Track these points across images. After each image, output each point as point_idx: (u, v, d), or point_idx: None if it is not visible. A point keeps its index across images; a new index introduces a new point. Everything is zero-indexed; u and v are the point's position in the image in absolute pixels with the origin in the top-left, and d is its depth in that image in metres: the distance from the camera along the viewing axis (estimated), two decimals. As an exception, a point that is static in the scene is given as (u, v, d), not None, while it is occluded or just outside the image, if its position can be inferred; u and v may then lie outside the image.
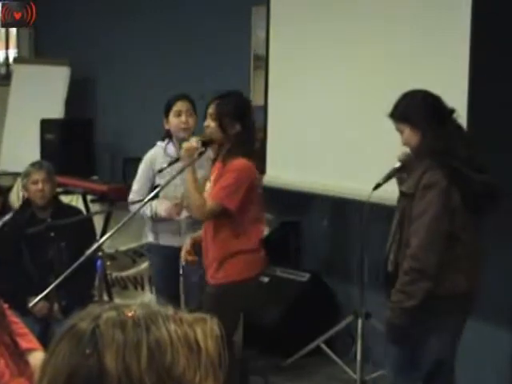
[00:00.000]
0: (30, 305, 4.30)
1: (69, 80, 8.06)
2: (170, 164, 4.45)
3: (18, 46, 9.40)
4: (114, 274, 6.32)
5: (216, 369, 1.26)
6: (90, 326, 1.22)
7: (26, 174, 5.09)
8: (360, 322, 4.94)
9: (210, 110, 4.29)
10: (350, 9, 5.31)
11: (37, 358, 3.05)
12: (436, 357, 3.73)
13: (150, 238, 5.00)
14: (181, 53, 7.20)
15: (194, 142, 4.27)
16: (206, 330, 1.27)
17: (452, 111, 3.76)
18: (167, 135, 4.87)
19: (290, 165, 5.76)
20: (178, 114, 4.77)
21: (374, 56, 5.10)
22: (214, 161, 4.38)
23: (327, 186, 5.37)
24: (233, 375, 3.85)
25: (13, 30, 9.35)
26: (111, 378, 1.18)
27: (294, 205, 6.23)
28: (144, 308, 1.26)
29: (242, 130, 4.23)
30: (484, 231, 3.83)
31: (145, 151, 5.08)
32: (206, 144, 4.28)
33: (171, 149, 4.83)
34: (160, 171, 4.62)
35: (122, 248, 6.22)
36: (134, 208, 4.63)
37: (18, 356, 2.96)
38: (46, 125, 7.65)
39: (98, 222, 5.84)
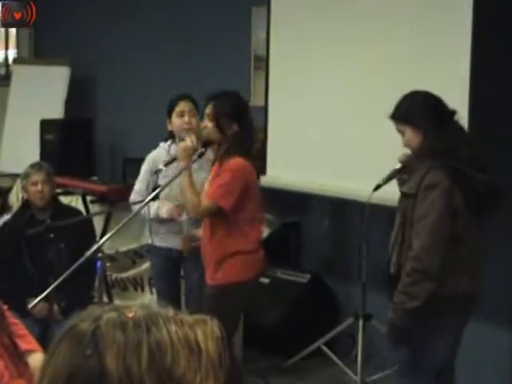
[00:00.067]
0: (30, 306, 4.30)
1: (68, 80, 8.05)
2: (167, 164, 4.45)
3: (18, 47, 9.39)
4: (114, 275, 6.31)
5: (216, 370, 1.26)
6: (90, 327, 1.22)
7: (26, 175, 5.08)
8: (361, 323, 4.93)
9: (207, 110, 4.29)
10: (351, 9, 5.30)
11: (36, 359, 3.04)
12: (440, 357, 3.73)
13: (151, 240, 4.99)
14: (181, 53, 7.19)
15: (189, 141, 4.28)
16: (206, 331, 1.27)
17: (453, 112, 3.76)
18: (170, 136, 4.85)
19: (290, 165, 5.76)
20: (181, 115, 4.75)
21: (374, 56, 5.10)
22: (214, 161, 4.38)
23: (327, 186, 5.36)
24: (233, 376, 3.84)
25: (12, 31, 9.34)
26: (112, 379, 1.18)
27: (295, 205, 6.22)
28: (144, 309, 1.26)
29: (240, 129, 4.22)
30: (484, 231, 3.83)
31: (145, 151, 5.07)
32: (205, 145, 4.28)
33: (174, 149, 4.81)
34: (156, 172, 4.62)
35: (122, 249, 6.21)
36: (135, 208, 4.63)
37: (18, 357, 2.95)
38: (46, 125, 7.64)
39: (98, 222, 5.84)
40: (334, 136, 5.42)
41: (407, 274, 3.62)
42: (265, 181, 5.71)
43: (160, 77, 7.35)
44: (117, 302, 5.82)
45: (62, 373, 1.21)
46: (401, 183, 3.91)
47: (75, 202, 6.47)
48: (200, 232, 4.50)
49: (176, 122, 4.75)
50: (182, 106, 4.76)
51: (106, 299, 5.55)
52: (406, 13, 4.93)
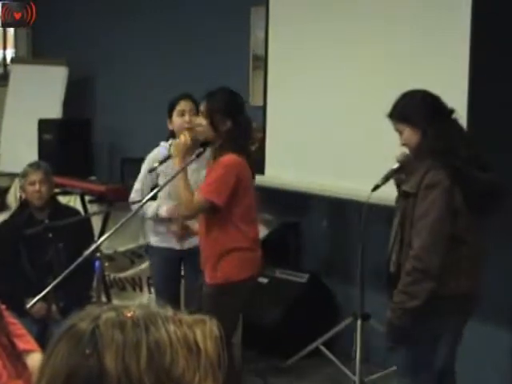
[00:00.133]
0: (28, 306, 4.29)
1: (67, 80, 8.05)
2: (162, 162, 4.47)
3: (16, 46, 9.39)
4: (112, 275, 6.30)
5: (215, 370, 1.26)
6: (89, 327, 1.22)
7: (24, 175, 5.08)
8: (359, 323, 4.93)
9: (202, 107, 4.29)
10: (350, 9, 5.30)
11: (35, 359, 3.04)
12: (441, 357, 3.72)
13: (152, 239, 4.99)
14: (180, 53, 7.19)
15: (183, 138, 4.30)
16: (205, 331, 1.27)
17: (451, 111, 3.75)
18: (171, 135, 4.84)
19: (289, 165, 5.76)
20: (182, 114, 4.75)
21: (373, 56, 5.09)
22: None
23: (326, 186, 5.36)
24: (231, 376, 3.84)
25: (10, 30, 9.34)
26: (111, 379, 1.18)
27: (294, 205, 6.22)
28: (143, 309, 1.27)
29: (234, 126, 4.22)
30: (484, 231, 3.82)
31: (143, 151, 5.07)
32: (204, 145, 4.28)
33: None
34: (151, 171, 4.62)
35: (121, 249, 6.21)
36: (134, 207, 4.62)
37: (16, 357, 2.95)
38: (44, 125, 7.64)
39: (96, 222, 5.83)
40: (333, 136, 5.42)
41: (407, 273, 3.61)
42: (264, 181, 5.71)
43: (159, 77, 7.36)
44: (115, 301, 5.81)
45: (61, 372, 1.21)
46: (398, 183, 3.90)
47: (73, 201, 6.47)
48: (196, 226, 4.52)
49: (177, 122, 4.75)
50: (183, 105, 4.76)
51: (104, 299, 5.55)
52: (405, 13, 4.93)
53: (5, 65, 9.45)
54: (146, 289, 6.25)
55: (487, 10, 4.52)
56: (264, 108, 5.90)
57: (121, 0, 7.99)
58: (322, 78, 5.46)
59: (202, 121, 4.26)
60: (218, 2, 6.86)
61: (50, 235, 4.70)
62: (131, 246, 6.22)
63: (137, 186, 4.88)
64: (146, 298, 6.15)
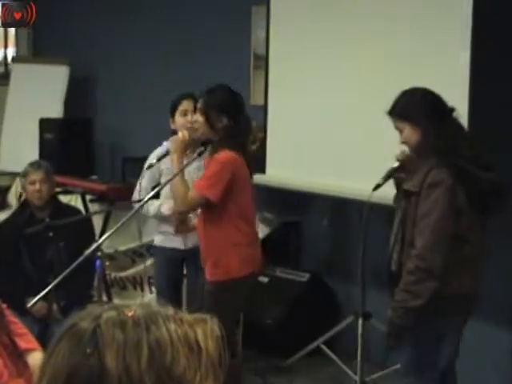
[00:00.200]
0: (29, 305, 4.29)
1: (68, 79, 8.05)
2: (160, 159, 4.48)
3: (17, 45, 9.38)
4: (113, 275, 6.31)
5: (216, 369, 1.26)
6: (90, 326, 1.22)
7: (25, 174, 5.08)
8: (360, 322, 4.93)
9: (199, 104, 4.30)
10: (350, 9, 5.30)
11: (36, 358, 3.04)
12: (444, 356, 3.71)
13: (156, 239, 5.00)
14: (181, 52, 7.19)
15: (180, 135, 4.31)
16: (206, 330, 1.27)
17: (452, 110, 3.74)
18: (173, 135, 4.84)
19: (290, 164, 5.76)
20: (184, 114, 4.75)
21: (374, 56, 5.09)
22: None
23: (327, 185, 5.36)
24: (232, 374, 3.84)
25: (11, 29, 9.33)
26: (112, 378, 1.18)
27: (294, 205, 6.22)
28: (144, 308, 1.27)
29: (230, 123, 4.21)
30: (485, 231, 3.82)
31: (145, 151, 5.07)
32: (205, 144, 4.28)
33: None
34: (149, 167, 4.63)
35: (121, 248, 6.21)
36: (136, 206, 4.63)
37: (17, 356, 2.95)
38: (45, 124, 7.64)
39: (97, 221, 5.84)
40: (334, 135, 5.42)
41: (410, 273, 3.59)
42: (264, 180, 5.72)
43: (160, 77, 7.36)
44: (116, 301, 5.81)
45: (62, 371, 1.21)
46: (398, 181, 3.89)
47: (74, 200, 6.47)
48: (194, 221, 4.54)
49: (179, 121, 4.75)
50: (185, 104, 4.76)
51: (105, 298, 5.55)
52: (405, 13, 4.93)
53: (6, 64, 9.45)
54: (146, 288, 6.25)
55: (488, 10, 4.52)
56: (265, 107, 5.90)
57: (121, 0, 7.99)
58: (323, 77, 5.46)
59: (198, 117, 4.28)
60: (218, 1, 6.86)
61: (51, 234, 4.71)
62: (132, 245, 6.21)
63: (139, 185, 4.88)
64: (147, 297, 6.15)
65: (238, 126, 4.24)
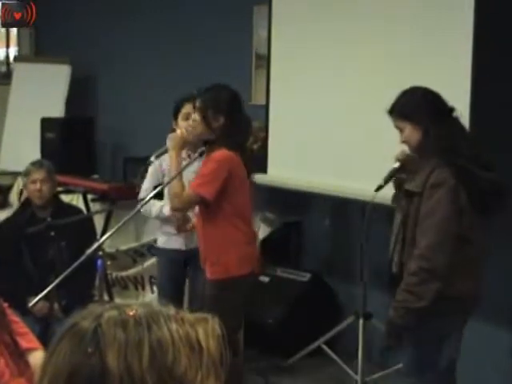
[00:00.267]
0: (30, 304, 4.29)
1: (69, 78, 8.05)
2: (158, 156, 4.48)
3: (19, 45, 9.39)
4: (115, 274, 6.31)
5: (218, 368, 1.26)
6: (91, 325, 1.22)
7: (26, 173, 5.08)
8: (361, 322, 4.93)
9: (197, 104, 4.30)
10: (351, 9, 5.30)
11: (37, 357, 3.04)
12: (446, 356, 3.71)
13: (159, 240, 5.01)
14: (182, 52, 7.19)
15: (179, 132, 4.31)
16: (207, 329, 1.27)
17: (452, 109, 3.73)
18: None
19: (291, 164, 5.75)
20: (186, 117, 4.73)
21: (376, 56, 5.09)
22: None
23: (329, 185, 5.35)
24: (233, 374, 3.84)
25: (14, 29, 9.34)
26: (113, 377, 1.18)
27: (296, 204, 6.22)
28: (145, 307, 1.27)
29: (227, 122, 4.21)
30: (486, 231, 3.82)
31: (146, 150, 5.07)
32: (206, 144, 4.28)
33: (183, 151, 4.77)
34: (148, 164, 4.62)
35: (123, 247, 6.21)
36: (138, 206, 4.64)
37: (18, 355, 2.95)
38: (47, 123, 7.64)
39: (99, 221, 5.83)
40: (336, 135, 5.41)
41: (413, 274, 3.57)
42: (266, 180, 5.72)
43: (161, 76, 7.36)
44: (117, 300, 5.82)
45: (63, 371, 1.21)
46: (399, 182, 3.88)
47: (76, 200, 6.48)
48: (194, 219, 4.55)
49: (182, 125, 4.74)
50: (188, 107, 4.73)
51: (106, 298, 5.55)
52: (406, 13, 4.93)
53: (8, 63, 9.46)
54: (148, 287, 6.25)
55: (490, 10, 4.52)
56: (267, 107, 5.90)
57: (121, 0, 7.99)
58: (325, 76, 5.46)
59: (196, 116, 4.29)
60: (220, 1, 6.86)
61: (53, 234, 4.70)
62: (133, 244, 6.22)
63: (144, 185, 4.89)
64: (149, 296, 6.16)
65: (235, 125, 4.24)
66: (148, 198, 4.23)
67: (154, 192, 4.24)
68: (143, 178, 4.92)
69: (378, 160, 4.72)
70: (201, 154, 4.28)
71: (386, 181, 3.94)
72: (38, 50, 9.13)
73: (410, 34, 4.90)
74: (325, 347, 5.44)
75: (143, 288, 6.28)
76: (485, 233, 3.71)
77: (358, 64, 5.21)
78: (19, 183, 6.86)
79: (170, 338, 1.22)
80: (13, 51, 9.49)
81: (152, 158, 4.53)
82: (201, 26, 6.99)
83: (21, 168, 5.37)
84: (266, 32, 5.99)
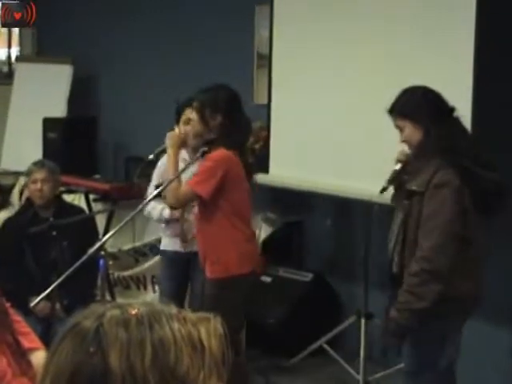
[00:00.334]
0: (32, 304, 4.30)
1: (71, 78, 8.05)
2: (157, 154, 4.47)
3: (21, 45, 9.39)
4: (117, 274, 6.31)
5: (220, 368, 1.26)
6: (93, 325, 1.22)
7: (28, 173, 5.08)
8: (363, 322, 4.93)
9: (195, 102, 4.31)
10: (352, 9, 5.30)
11: (39, 357, 3.04)
12: (447, 356, 3.70)
13: (162, 242, 5.02)
14: (183, 52, 7.19)
15: (177, 130, 4.32)
16: (209, 329, 1.27)
17: (452, 109, 3.72)
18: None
19: (293, 164, 5.75)
20: (187, 123, 4.72)
21: (376, 56, 5.09)
22: None
23: (330, 185, 5.35)
24: (237, 374, 3.84)
25: (15, 29, 9.34)
26: (115, 377, 1.18)
27: (297, 204, 6.22)
28: (147, 307, 1.27)
29: (225, 121, 4.21)
30: (486, 231, 3.82)
31: (148, 150, 5.06)
32: (207, 144, 4.28)
33: (184, 153, 4.77)
34: (147, 162, 4.63)
35: (125, 247, 6.22)
36: (147, 207, 4.65)
37: (21, 355, 2.95)
38: (49, 123, 7.64)
39: (101, 221, 5.83)
40: (337, 134, 5.41)
41: (414, 274, 3.56)
42: (267, 180, 5.71)
43: (161, 76, 7.36)
44: (119, 300, 5.82)
45: (65, 370, 1.21)
46: (399, 182, 3.87)
47: (78, 200, 6.47)
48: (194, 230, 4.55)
49: (183, 130, 4.72)
50: (188, 113, 4.72)
51: (108, 297, 5.55)
52: (406, 13, 4.93)
53: (10, 63, 9.46)
54: (150, 287, 6.25)
55: (491, 10, 4.52)
56: (268, 106, 5.90)
57: (121, 0, 7.99)
58: (327, 76, 5.46)
59: (194, 116, 4.29)
60: (222, 0, 6.86)
61: (55, 233, 4.70)
62: (135, 244, 6.22)
63: (150, 187, 4.89)
64: (150, 296, 6.16)
65: (234, 125, 4.23)
66: (148, 198, 4.23)
67: (155, 192, 4.24)
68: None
69: (379, 160, 4.73)
70: (202, 155, 4.28)
71: (389, 182, 3.92)
72: (40, 50, 9.13)
73: (410, 33, 4.90)
74: (326, 347, 5.44)
75: (145, 288, 6.28)
76: (485, 233, 3.71)
77: (360, 64, 5.21)
78: (21, 183, 6.86)
79: (172, 337, 1.22)
80: (15, 51, 9.48)
81: (151, 157, 4.54)
82: (202, 26, 6.99)
83: (23, 168, 5.37)
84: (267, 32, 5.99)
